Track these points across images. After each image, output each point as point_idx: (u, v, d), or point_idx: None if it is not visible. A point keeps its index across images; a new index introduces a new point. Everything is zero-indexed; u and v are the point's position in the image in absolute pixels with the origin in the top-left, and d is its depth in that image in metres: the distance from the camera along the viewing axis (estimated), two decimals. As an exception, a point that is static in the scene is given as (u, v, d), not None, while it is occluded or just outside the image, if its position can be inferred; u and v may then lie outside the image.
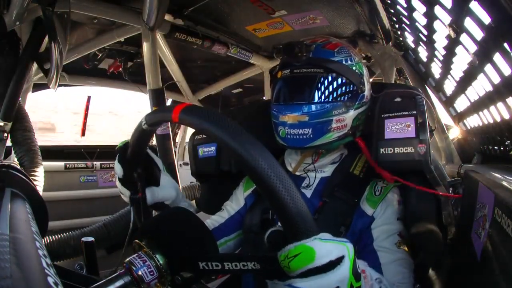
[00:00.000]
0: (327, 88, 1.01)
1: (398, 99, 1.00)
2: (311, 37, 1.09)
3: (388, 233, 0.95)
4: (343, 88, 1.01)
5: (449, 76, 1.21)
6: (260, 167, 0.52)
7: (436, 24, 0.96)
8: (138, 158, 0.84)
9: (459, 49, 0.96)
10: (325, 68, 1.00)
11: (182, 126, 3.10)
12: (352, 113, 1.02)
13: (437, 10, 0.88)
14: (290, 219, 0.53)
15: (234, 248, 1.15)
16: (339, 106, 1.00)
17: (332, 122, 1.00)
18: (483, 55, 0.83)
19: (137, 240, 0.68)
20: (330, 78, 1.01)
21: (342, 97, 1.01)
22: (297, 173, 1.08)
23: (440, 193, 0.91)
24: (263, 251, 1.03)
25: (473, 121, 1.23)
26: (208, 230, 0.75)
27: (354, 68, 1.03)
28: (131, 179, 0.88)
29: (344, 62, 1.02)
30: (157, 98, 1.77)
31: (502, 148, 1.00)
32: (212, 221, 1.16)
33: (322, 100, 1.00)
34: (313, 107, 0.99)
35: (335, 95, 1.01)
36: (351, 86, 1.02)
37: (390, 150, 0.94)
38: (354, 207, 0.98)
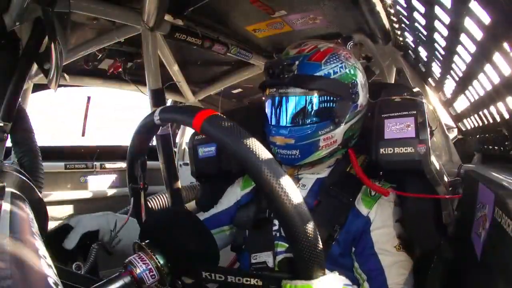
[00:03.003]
0: (312, 108, 0.98)
1: (398, 99, 1.00)
2: (300, 44, 1.05)
3: (388, 236, 0.95)
4: (330, 105, 0.98)
5: (449, 76, 1.21)
6: (283, 199, 0.54)
7: (436, 24, 0.96)
8: (142, 149, 0.84)
9: (459, 49, 0.96)
10: (309, 87, 0.97)
11: (182, 126, 3.09)
12: (342, 128, 1.00)
13: (437, 10, 0.88)
14: (304, 255, 0.55)
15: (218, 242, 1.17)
16: (327, 124, 0.98)
17: (320, 141, 0.98)
18: (483, 55, 0.83)
19: (137, 240, 0.68)
20: (315, 98, 0.98)
21: (329, 114, 0.98)
22: (293, 174, 1.09)
23: (439, 196, 0.91)
24: (257, 249, 1.03)
25: (473, 121, 1.23)
26: (209, 231, 0.75)
27: (344, 77, 0.99)
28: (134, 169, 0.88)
29: (332, 75, 0.98)
30: (157, 98, 1.77)
31: (502, 148, 1.00)
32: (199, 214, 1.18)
33: (307, 122, 0.98)
34: (298, 130, 0.97)
35: (321, 114, 0.98)
36: (340, 100, 0.99)
37: (390, 150, 0.93)
38: (349, 207, 0.98)
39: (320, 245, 0.55)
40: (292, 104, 0.99)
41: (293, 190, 0.55)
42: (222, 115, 0.61)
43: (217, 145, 1.18)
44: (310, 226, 0.54)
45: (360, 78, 1.04)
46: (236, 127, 0.57)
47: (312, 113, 0.98)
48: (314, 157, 1.00)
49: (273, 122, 1.03)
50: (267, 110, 1.05)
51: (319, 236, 0.57)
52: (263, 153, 0.55)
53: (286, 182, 0.54)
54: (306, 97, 0.98)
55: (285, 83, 0.97)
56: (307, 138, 0.97)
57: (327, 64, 0.98)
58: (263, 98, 1.08)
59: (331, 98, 0.98)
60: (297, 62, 0.97)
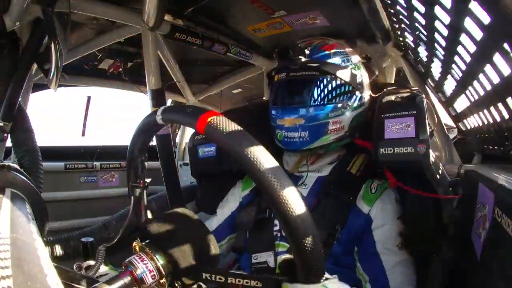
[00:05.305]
0: (322, 90, 1.01)
1: (398, 99, 1.00)
2: (308, 39, 1.09)
3: (390, 234, 0.95)
4: (339, 90, 1.01)
5: (448, 76, 1.21)
6: (284, 202, 0.53)
7: (436, 24, 0.96)
8: (142, 147, 0.84)
9: (459, 49, 0.95)
10: (320, 70, 1.00)
11: (181, 126, 3.09)
12: (349, 115, 1.02)
13: (437, 10, 0.88)
14: (305, 259, 0.55)
15: (226, 252, 1.16)
16: (336, 108, 1.00)
17: (329, 125, 1.00)
18: (483, 56, 0.83)
19: (137, 241, 0.68)
20: (325, 80, 1.01)
21: (338, 99, 1.01)
22: (295, 173, 1.09)
23: (440, 196, 0.91)
24: (257, 249, 1.04)
25: (473, 121, 1.23)
26: (209, 232, 0.75)
27: (351, 69, 1.03)
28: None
29: (340, 63, 1.02)
30: (157, 98, 1.77)
31: (502, 148, 1.00)
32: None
33: (318, 103, 1.00)
34: (309, 110, 0.99)
35: (330, 97, 1.01)
36: (348, 87, 1.02)
37: (390, 150, 0.94)
38: (349, 205, 0.99)
39: (321, 250, 0.55)
40: (304, 86, 1.02)
41: (297, 198, 0.55)
42: (226, 117, 0.60)
43: (220, 148, 1.19)
44: (312, 231, 0.54)
45: (364, 74, 1.06)
46: (241, 130, 0.57)
47: (322, 95, 1.01)
48: (322, 141, 1.01)
49: (283, 105, 1.03)
50: (276, 94, 1.06)
51: (320, 241, 0.57)
52: (268, 159, 0.55)
53: (290, 190, 0.54)
54: (318, 80, 1.01)
55: (298, 65, 1.00)
56: (317, 119, 0.99)
57: (335, 55, 1.03)
58: (270, 86, 1.10)
59: (340, 83, 1.01)
60: (309, 48, 1.02)
